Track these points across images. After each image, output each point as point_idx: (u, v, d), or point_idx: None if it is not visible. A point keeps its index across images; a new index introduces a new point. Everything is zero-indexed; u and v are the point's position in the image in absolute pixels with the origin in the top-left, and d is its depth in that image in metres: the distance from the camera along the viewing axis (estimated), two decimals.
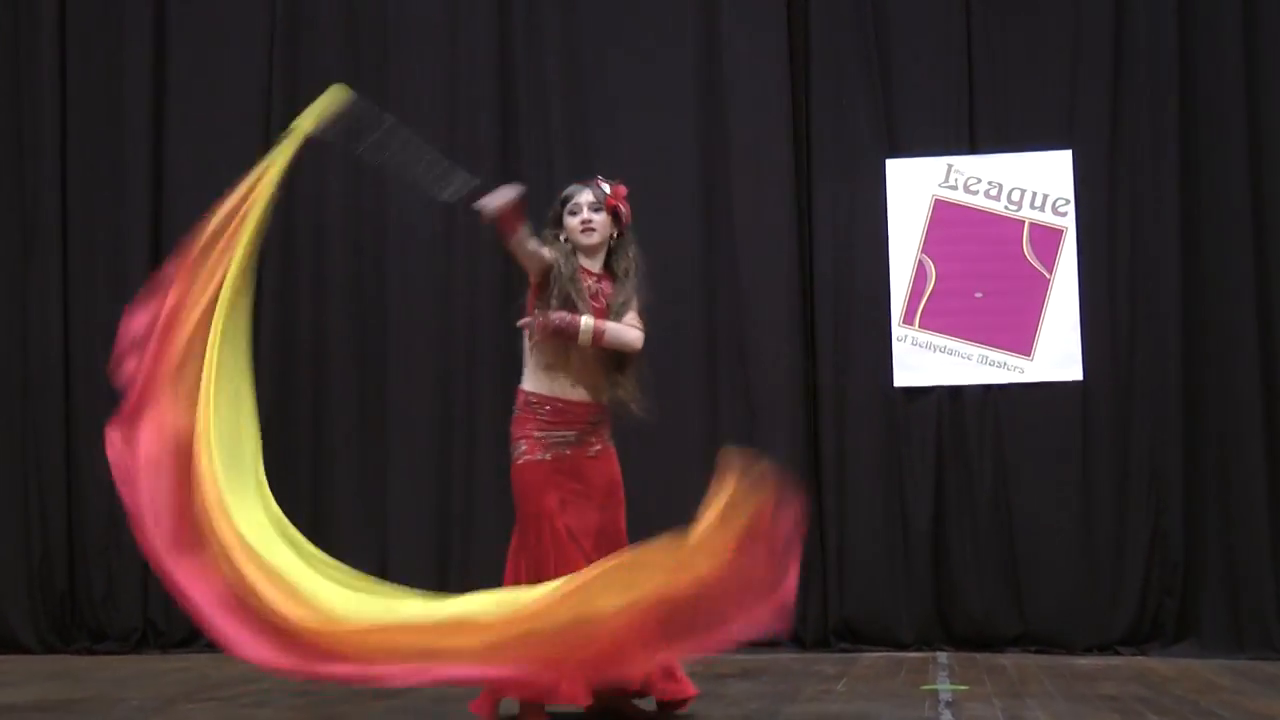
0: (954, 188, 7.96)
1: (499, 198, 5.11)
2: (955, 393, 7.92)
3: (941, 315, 7.92)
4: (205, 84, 8.52)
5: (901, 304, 7.95)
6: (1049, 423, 7.82)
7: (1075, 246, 7.84)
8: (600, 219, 5.46)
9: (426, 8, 8.44)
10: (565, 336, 5.31)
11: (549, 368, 5.36)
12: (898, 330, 7.93)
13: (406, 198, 8.12)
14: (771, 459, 7.77)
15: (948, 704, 5.81)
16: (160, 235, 8.21)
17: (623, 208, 5.52)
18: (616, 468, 5.51)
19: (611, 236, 5.51)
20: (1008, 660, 7.39)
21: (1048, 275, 7.86)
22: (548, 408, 5.35)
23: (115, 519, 8.30)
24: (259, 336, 8.06)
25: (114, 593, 8.34)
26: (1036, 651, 7.67)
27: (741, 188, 8.08)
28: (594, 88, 8.26)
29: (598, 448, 5.44)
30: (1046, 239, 7.87)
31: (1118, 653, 7.60)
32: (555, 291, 5.34)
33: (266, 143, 8.27)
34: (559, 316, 5.29)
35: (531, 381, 5.41)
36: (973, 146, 7.97)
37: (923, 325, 7.93)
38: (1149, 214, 7.79)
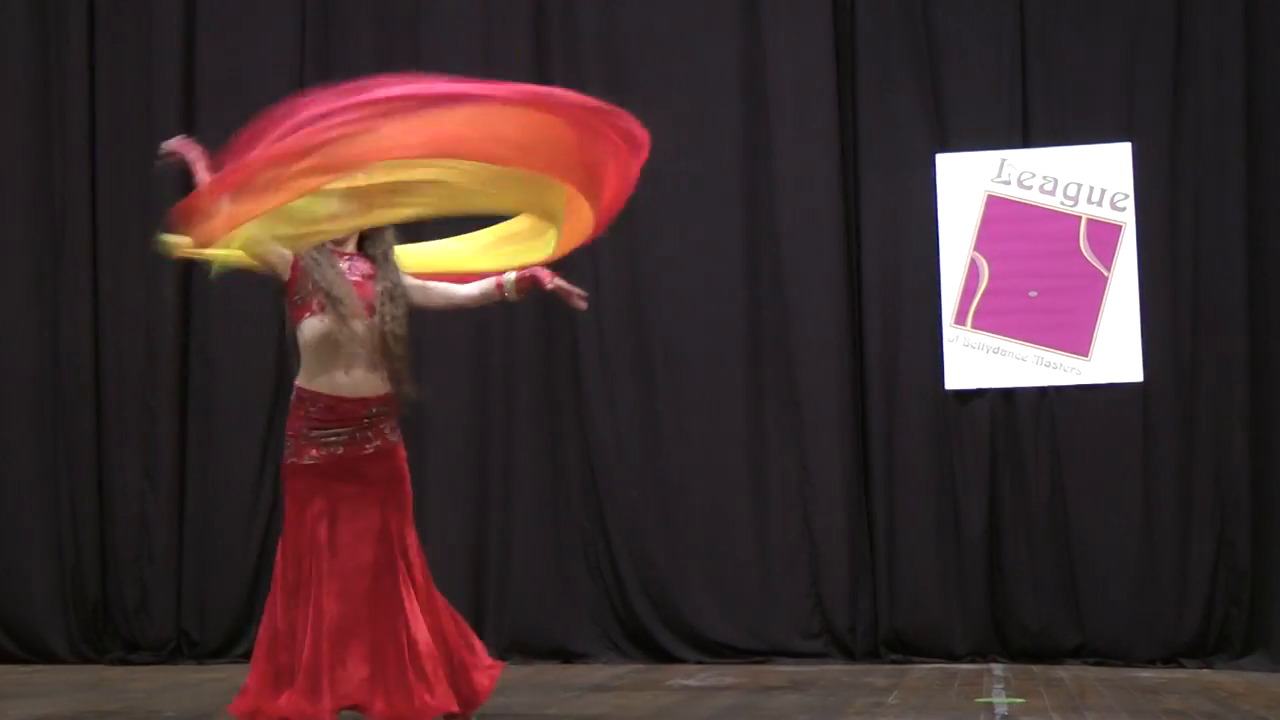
0: (1007, 183, 7.82)
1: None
2: (1009, 395, 7.78)
3: (994, 315, 7.79)
4: (235, 79, 8.46)
5: (953, 303, 7.82)
6: (1108, 425, 7.66)
7: (1135, 243, 7.69)
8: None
9: None
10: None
11: (319, 362, 5.14)
12: (949, 331, 7.81)
13: None
14: (818, 466, 7.83)
15: (1004, 717, 5.71)
16: None
17: None
18: (400, 464, 5.25)
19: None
20: (1066, 673, 7.26)
21: (1105, 273, 7.70)
22: (319, 404, 5.15)
23: (148, 528, 8.30)
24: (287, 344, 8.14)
25: (147, 602, 8.32)
26: (1096, 664, 7.53)
27: (786, 185, 7.98)
28: (633, 82, 8.15)
29: (377, 443, 5.19)
30: (1104, 235, 7.72)
31: (1182, 665, 7.45)
32: (315, 277, 5.13)
33: None
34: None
35: (303, 376, 5.20)
36: (1026, 140, 7.83)
37: (975, 325, 7.79)
38: (1212, 208, 7.64)
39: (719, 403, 8.00)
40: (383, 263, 5.23)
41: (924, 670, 7.41)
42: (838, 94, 7.95)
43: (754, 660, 7.74)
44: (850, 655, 7.74)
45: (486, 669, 5.33)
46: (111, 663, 8.23)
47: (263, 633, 5.11)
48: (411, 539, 5.21)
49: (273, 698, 4.97)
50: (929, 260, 7.82)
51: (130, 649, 8.30)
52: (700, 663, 7.74)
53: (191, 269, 7.73)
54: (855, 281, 7.93)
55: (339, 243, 5.21)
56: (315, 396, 5.12)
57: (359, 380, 5.12)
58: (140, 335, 8.32)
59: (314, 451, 5.10)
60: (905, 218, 7.89)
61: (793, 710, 5.92)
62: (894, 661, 7.67)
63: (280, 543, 5.18)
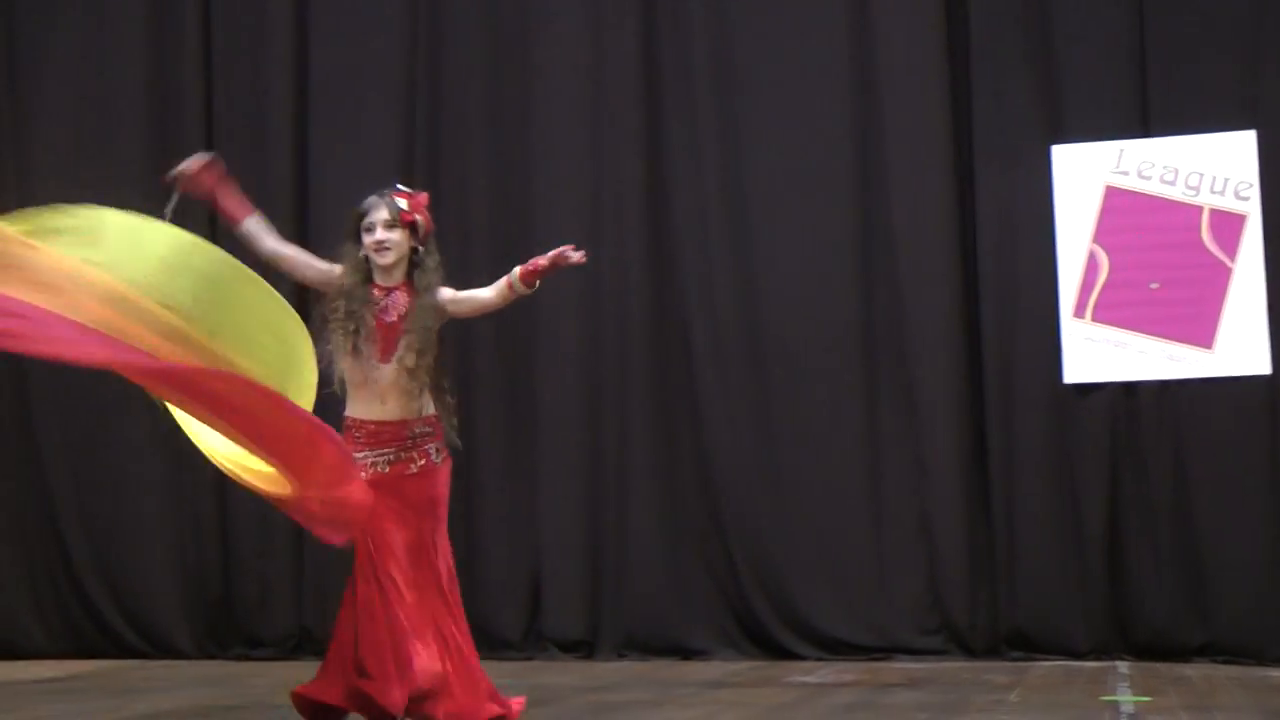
0: (1126, 173, 7.72)
1: (189, 163, 5.01)
2: (1130, 388, 7.68)
3: (1114, 308, 7.70)
4: (347, 86, 8.56)
5: (1071, 296, 7.73)
6: (1233, 418, 7.53)
7: (1261, 232, 7.56)
8: (396, 236, 5.26)
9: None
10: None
11: (356, 389, 5.24)
12: (1067, 324, 7.72)
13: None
14: (935, 461, 7.79)
15: (1129, 716, 5.64)
16: (307, 236, 8.22)
17: (420, 219, 5.32)
18: (439, 485, 5.30)
19: (413, 249, 5.31)
20: (1193, 671, 7.15)
21: (1229, 263, 7.58)
22: (362, 431, 5.23)
23: (269, 525, 8.40)
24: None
25: (268, 599, 8.44)
26: (1225, 662, 7.40)
27: (899, 178, 7.93)
28: (744, 77, 8.17)
29: (421, 463, 5.25)
30: (1228, 225, 7.60)
31: None
32: (342, 306, 5.22)
33: (410, 140, 8.41)
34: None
35: (348, 405, 5.29)
36: (1146, 129, 7.71)
37: (1095, 318, 7.71)
38: None
39: (833, 399, 7.96)
40: (422, 294, 5.26)
41: (1046, 668, 7.33)
42: (951, 86, 7.89)
43: (872, 657, 7.71)
44: (970, 652, 7.69)
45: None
46: (234, 658, 8.36)
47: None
48: (444, 549, 5.31)
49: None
50: (1046, 253, 7.74)
51: (252, 644, 8.41)
52: (818, 659, 7.73)
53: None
54: (971, 275, 7.86)
55: (386, 275, 5.26)
56: (360, 424, 5.23)
57: (394, 407, 5.21)
58: None
59: (363, 472, 5.17)
60: (1021, 210, 7.80)
61: (912, 708, 5.89)
62: (1015, 659, 7.59)
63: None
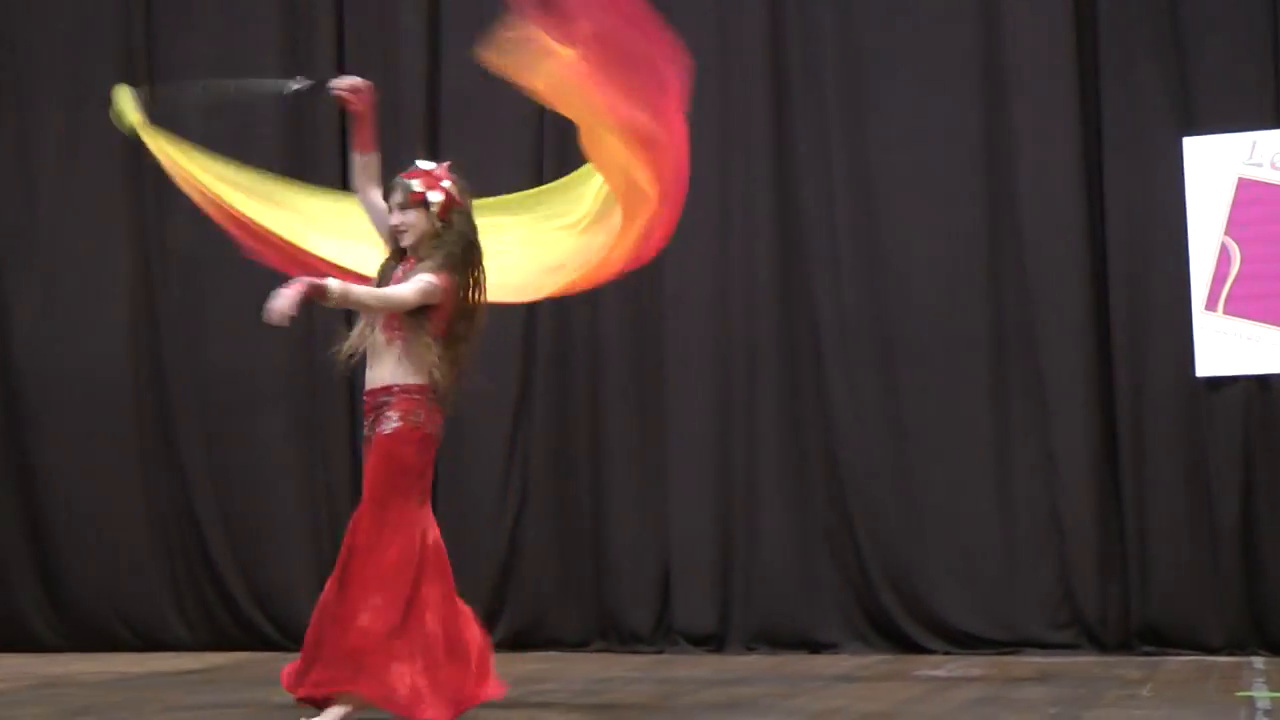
0: (1259, 165, 7.64)
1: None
2: (1264, 382, 7.59)
3: (1248, 300, 7.61)
4: (478, 87, 8.64)
5: (1203, 290, 7.65)
6: None
7: None
8: (410, 218, 5.27)
9: None
10: (316, 295, 5.04)
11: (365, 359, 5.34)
12: (1199, 317, 7.64)
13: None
14: (1065, 454, 7.75)
15: (1266, 713, 5.56)
16: None
17: (432, 196, 5.29)
18: (383, 453, 5.20)
19: (434, 226, 5.29)
20: None
21: None
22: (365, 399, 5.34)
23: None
24: (534, 341, 8.31)
25: None
26: None
27: (1028, 172, 7.90)
28: (870, 67, 8.17)
29: (378, 429, 5.22)
30: None
31: None
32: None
33: (540, 136, 8.50)
34: (306, 281, 5.04)
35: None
36: (1279, 120, 7.61)
37: (1227, 311, 7.63)
38: None
39: (962, 394, 7.95)
40: (416, 266, 5.27)
41: (1179, 662, 7.27)
42: (1080, 78, 7.83)
43: (1002, 651, 7.69)
44: (1101, 647, 7.64)
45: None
46: None
47: None
48: (407, 519, 5.21)
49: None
50: (1177, 246, 7.66)
51: None
52: (947, 653, 7.72)
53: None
54: (1101, 269, 7.80)
55: (413, 251, 5.32)
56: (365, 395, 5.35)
57: (376, 374, 5.26)
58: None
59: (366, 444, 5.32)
60: (1151, 203, 7.73)
61: (1042, 702, 5.86)
62: (1147, 653, 7.54)
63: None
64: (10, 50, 9.25)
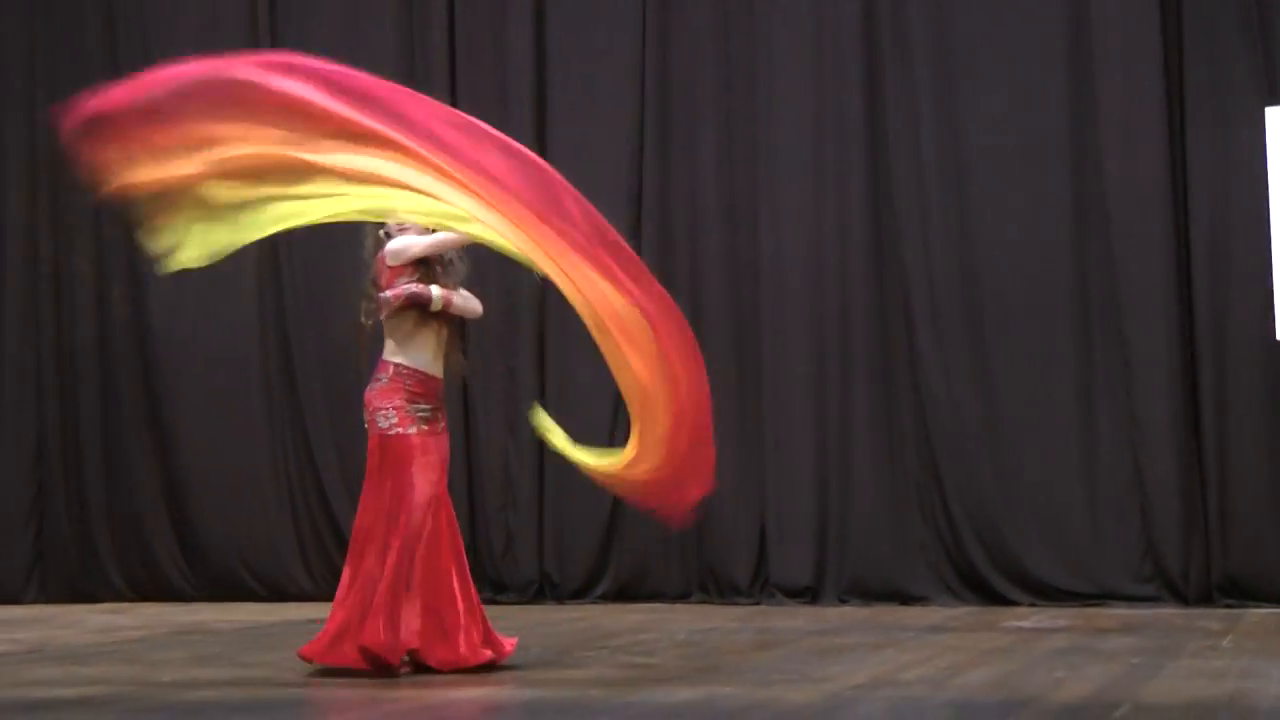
0: None
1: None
2: None
3: None
4: (582, 63, 8.87)
5: None
6: None
7: None
8: None
9: None
10: (419, 303, 5.48)
11: (411, 340, 5.56)
12: (1279, 282, 7.68)
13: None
14: (1148, 414, 7.85)
15: None
16: None
17: None
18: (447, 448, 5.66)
19: None
20: None
21: None
22: (413, 380, 5.55)
23: (511, 479, 8.78)
24: None
25: (512, 547, 8.79)
26: None
27: (1112, 140, 8.00)
28: (960, 46, 8.28)
29: (442, 424, 5.62)
30: None
31: None
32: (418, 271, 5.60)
33: (640, 114, 8.70)
34: (411, 288, 5.46)
35: (398, 354, 5.58)
36: None
37: None
38: None
39: (1048, 355, 8.07)
40: (447, 266, 5.69)
41: (1260, 615, 7.35)
42: (1164, 49, 7.92)
43: (1086, 603, 7.82)
44: (1183, 599, 7.76)
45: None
46: (481, 602, 8.63)
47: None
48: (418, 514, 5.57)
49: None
50: (1259, 213, 7.72)
51: (498, 590, 8.73)
52: (1033, 605, 7.84)
53: None
54: (1183, 236, 7.91)
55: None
56: (412, 372, 5.60)
57: (441, 365, 5.67)
58: (503, 304, 8.70)
59: (412, 426, 5.57)
60: (1233, 171, 7.81)
61: (1126, 652, 5.93)
62: (1228, 606, 7.64)
63: (368, 490, 5.70)
64: (143, 38, 9.51)
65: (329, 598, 8.81)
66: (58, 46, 9.55)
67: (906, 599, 8.13)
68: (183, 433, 9.32)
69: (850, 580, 8.28)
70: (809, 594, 8.31)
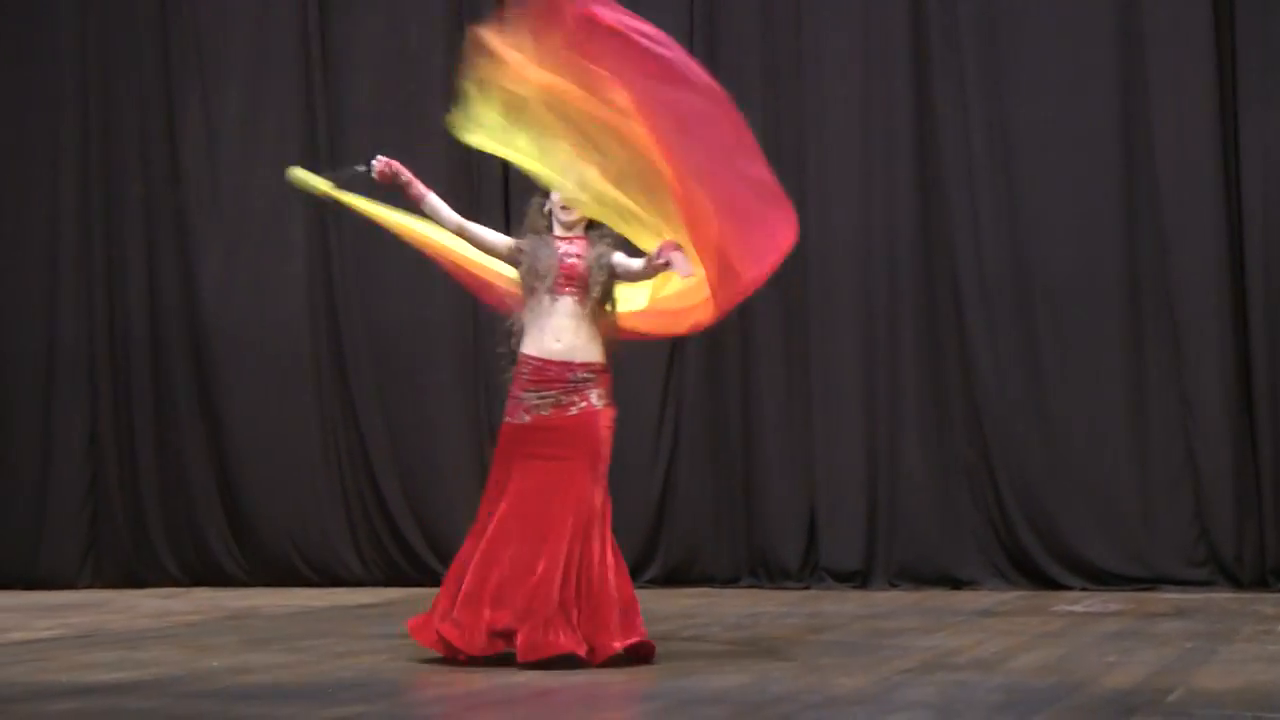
0: None
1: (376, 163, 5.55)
2: None
3: None
4: None
5: None
6: None
7: None
8: None
9: None
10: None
11: (530, 327, 5.51)
12: None
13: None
14: (1200, 398, 7.82)
15: None
16: None
17: None
18: (599, 428, 5.50)
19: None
20: None
21: None
22: (528, 368, 5.50)
23: None
24: None
25: None
26: None
27: (1163, 121, 7.98)
28: (1009, 26, 8.25)
29: (582, 405, 5.47)
30: None
31: None
32: (525, 246, 5.56)
33: None
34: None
35: (523, 343, 5.54)
36: None
37: None
38: None
39: (1099, 338, 8.05)
40: (597, 242, 5.55)
41: None
42: (1214, 28, 7.88)
43: (1139, 588, 7.81)
44: (1237, 583, 7.74)
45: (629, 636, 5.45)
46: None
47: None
48: (598, 499, 5.48)
49: (439, 621, 5.45)
50: None
51: None
52: (1084, 589, 7.84)
53: None
54: (1235, 216, 7.88)
55: (567, 228, 5.58)
56: (528, 360, 5.51)
57: (564, 347, 5.48)
58: None
59: (524, 414, 5.50)
60: None
61: (1179, 636, 5.93)
62: None
63: (484, 492, 5.60)
64: (195, 25, 9.54)
65: (380, 582, 9.06)
66: (109, 38, 9.60)
67: (956, 583, 8.13)
68: (234, 418, 9.38)
69: (900, 564, 8.29)
70: (858, 578, 8.32)
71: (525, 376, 5.51)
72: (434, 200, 5.65)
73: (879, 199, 8.41)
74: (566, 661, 5.24)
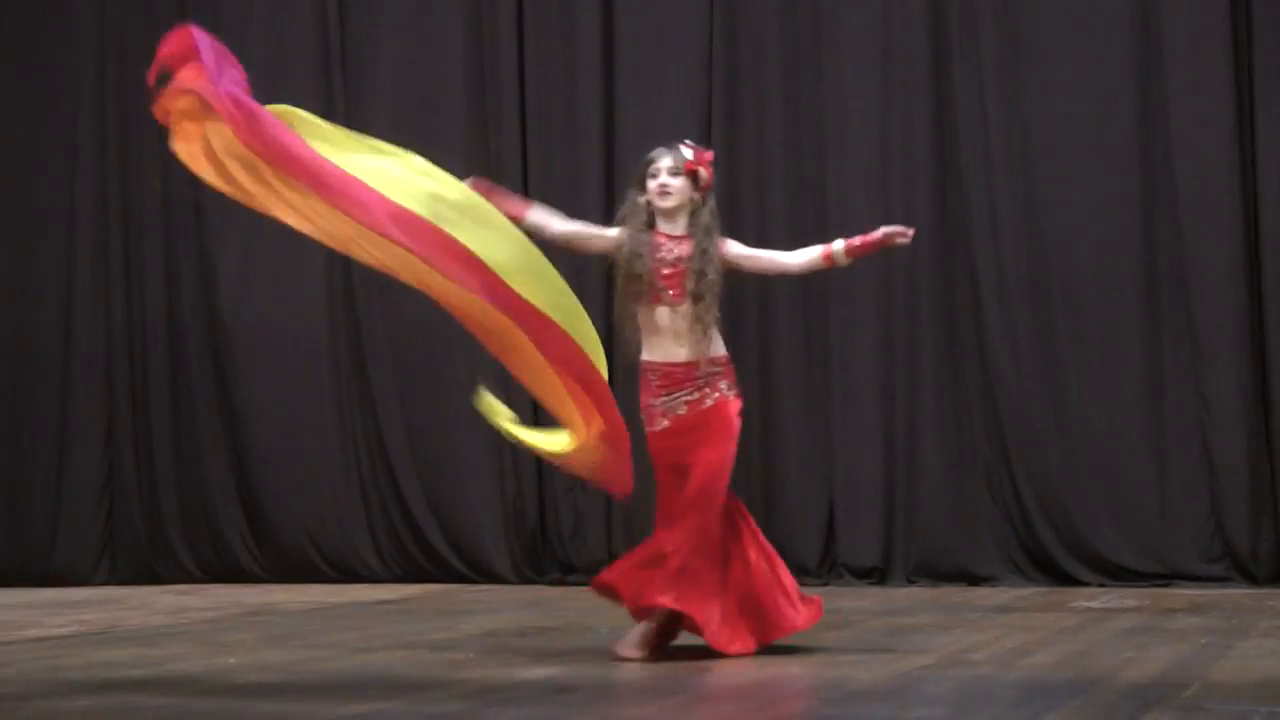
0: None
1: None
2: None
3: None
4: (651, 48, 8.86)
5: None
6: None
7: None
8: (678, 184, 5.47)
9: None
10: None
11: (649, 334, 5.50)
12: None
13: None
14: (1216, 394, 7.82)
15: None
16: (612, 190, 8.62)
17: (703, 171, 5.50)
18: (734, 415, 5.52)
19: (692, 199, 5.51)
20: None
21: None
22: (655, 374, 5.49)
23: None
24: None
25: (580, 528, 8.82)
26: None
27: (1180, 120, 7.97)
28: (1026, 26, 8.25)
29: (715, 396, 5.48)
30: None
31: None
32: (627, 248, 5.49)
33: (709, 96, 8.72)
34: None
35: (644, 350, 5.52)
36: None
37: None
38: None
39: (1116, 336, 8.05)
40: (702, 239, 5.50)
41: None
42: (1232, 28, 7.88)
43: (1155, 584, 7.81)
44: (1252, 579, 7.74)
45: (797, 605, 5.56)
46: (550, 583, 8.73)
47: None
48: (723, 483, 5.51)
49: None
50: None
51: (566, 570, 8.78)
52: (1101, 585, 7.84)
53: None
54: (1252, 216, 7.87)
55: (668, 222, 5.52)
56: (654, 367, 5.51)
57: (686, 349, 5.47)
58: (572, 285, 8.78)
59: (663, 419, 5.50)
60: None
61: (1195, 632, 5.93)
62: None
63: (658, 508, 5.64)
64: (214, 18, 9.55)
65: (398, 578, 9.07)
66: (127, 33, 9.59)
67: (974, 579, 8.13)
68: (252, 414, 9.39)
69: (918, 561, 8.29)
70: (877, 574, 8.32)
71: (654, 384, 5.52)
72: (536, 215, 5.55)
73: (898, 196, 8.41)
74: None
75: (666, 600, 5.33)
